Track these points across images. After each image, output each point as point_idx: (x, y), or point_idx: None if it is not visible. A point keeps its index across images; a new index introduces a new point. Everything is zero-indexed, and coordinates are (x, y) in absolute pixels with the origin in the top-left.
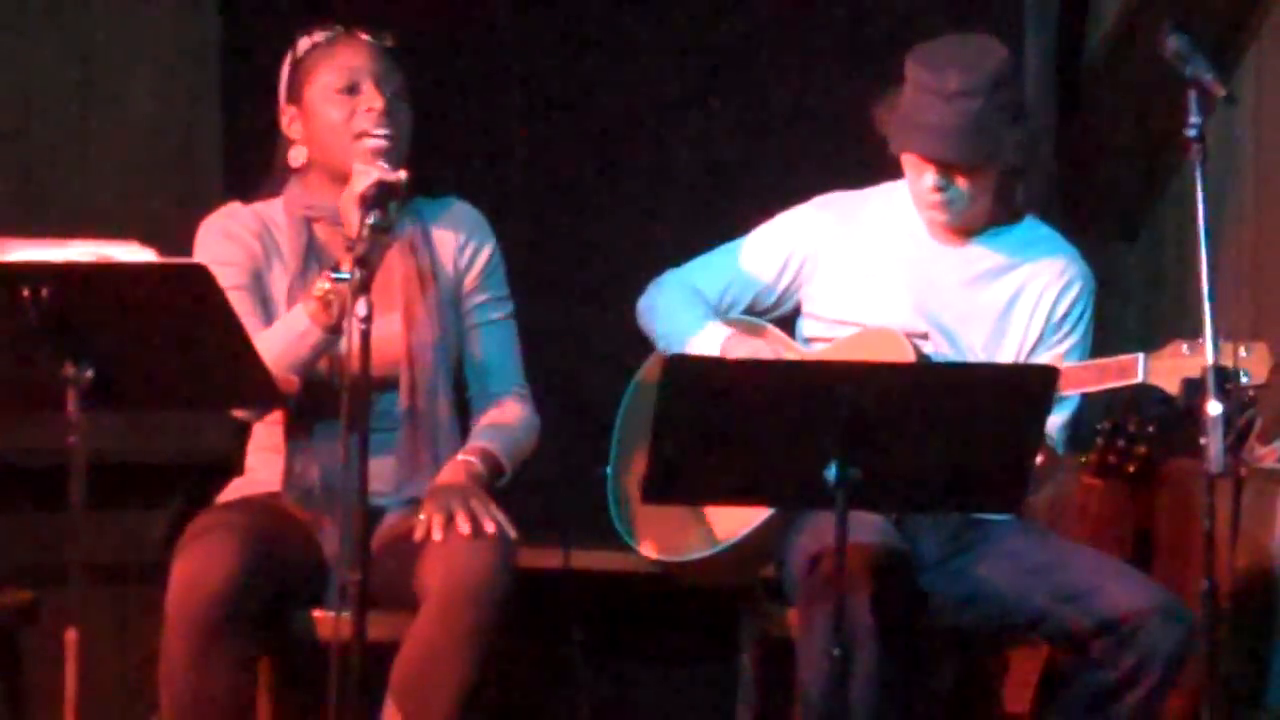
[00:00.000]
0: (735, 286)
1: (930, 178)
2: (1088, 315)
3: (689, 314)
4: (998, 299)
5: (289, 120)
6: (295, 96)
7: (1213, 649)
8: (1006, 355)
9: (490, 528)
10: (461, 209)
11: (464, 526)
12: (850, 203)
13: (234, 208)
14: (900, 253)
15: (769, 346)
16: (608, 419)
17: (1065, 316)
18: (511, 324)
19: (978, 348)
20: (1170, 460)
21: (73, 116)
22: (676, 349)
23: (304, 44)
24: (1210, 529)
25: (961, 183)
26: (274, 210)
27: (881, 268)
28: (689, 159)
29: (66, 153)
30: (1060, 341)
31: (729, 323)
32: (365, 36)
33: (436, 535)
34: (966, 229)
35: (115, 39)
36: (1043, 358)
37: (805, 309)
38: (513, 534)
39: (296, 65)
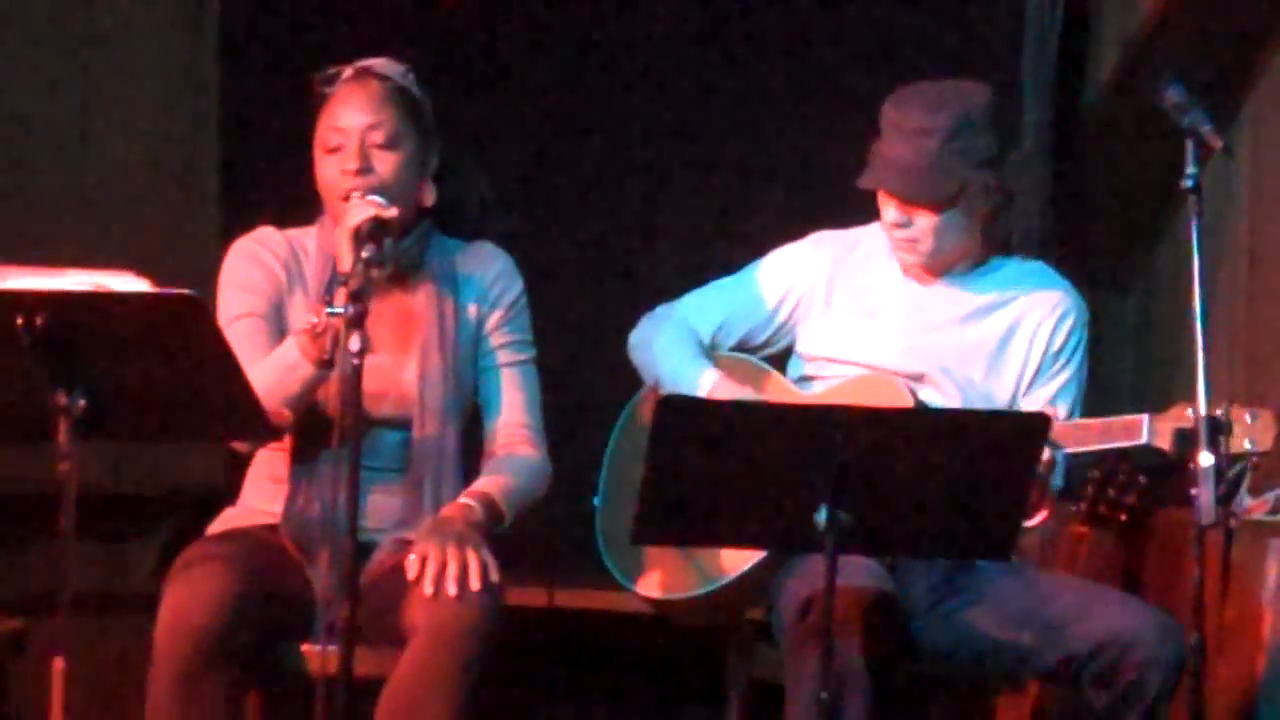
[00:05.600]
0: (730, 322)
1: (890, 212)
2: (1082, 347)
3: (681, 354)
4: (992, 334)
5: (316, 161)
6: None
7: (1199, 701)
8: (1005, 388)
9: (474, 582)
10: (491, 252)
11: (450, 586)
12: (845, 241)
13: (266, 233)
14: (894, 291)
15: (759, 394)
16: (596, 453)
17: (1063, 348)
18: (532, 369)
19: (978, 384)
20: (1160, 511)
21: (71, 146)
22: (667, 389)
23: (317, 91)
24: (1200, 580)
25: (922, 221)
26: (307, 239)
27: (876, 306)
28: (682, 194)
29: (64, 182)
30: (1058, 374)
31: (728, 362)
32: (372, 77)
33: (425, 585)
34: (942, 269)
35: (113, 70)
36: (1038, 394)
37: (799, 348)
38: (495, 577)
39: (317, 113)
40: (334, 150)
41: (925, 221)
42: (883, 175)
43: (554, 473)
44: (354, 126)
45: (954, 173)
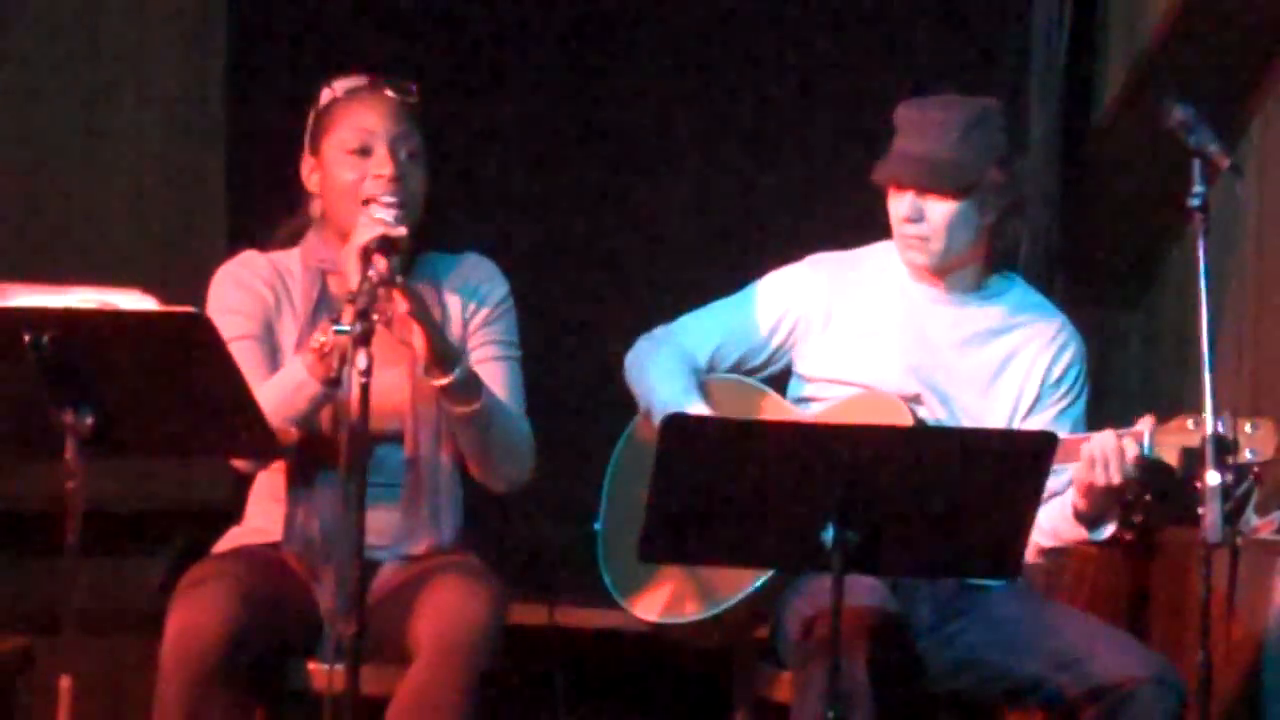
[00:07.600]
0: (726, 345)
1: (903, 206)
2: (1082, 378)
3: (673, 384)
4: (990, 360)
5: (309, 171)
6: (315, 148)
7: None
8: (999, 415)
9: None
10: (476, 261)
11: None
12: (843, 262)
13: (249, 256)
14: (893, 313)
15: (755, 416)
16: (595, 474)
17: (1061, 378)
18: (516, 367)
19: (971, 408)
20: (1167, 529)
21: (78, 160)
22: (656, 418)
23: (326, 95)
24: (1206, 599)
25: (935, 215)
26: (290, 260)
27: (874, 328)
28: (684, 215)
29: (72, 196)
30: (1057, 401)
31: (725, 386)
32: (389, 91)
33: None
34: (947, 272)
35: (121, 82)
36: (1038, 418)
37: (797, 369)
38: None
39: (318, 116)
40: (358, 152)
41: (939, 215)
42: (900, 168)
43: (553, 497)
44: (386, 132)
45: (972, 162)
